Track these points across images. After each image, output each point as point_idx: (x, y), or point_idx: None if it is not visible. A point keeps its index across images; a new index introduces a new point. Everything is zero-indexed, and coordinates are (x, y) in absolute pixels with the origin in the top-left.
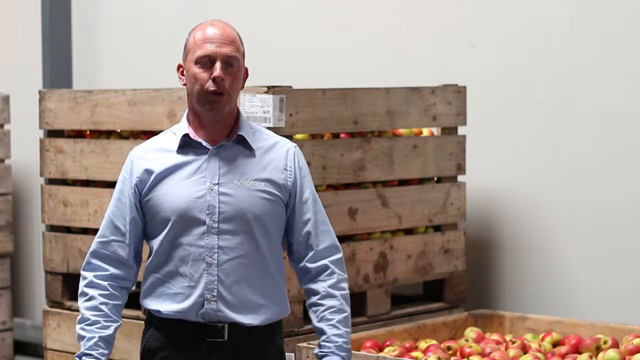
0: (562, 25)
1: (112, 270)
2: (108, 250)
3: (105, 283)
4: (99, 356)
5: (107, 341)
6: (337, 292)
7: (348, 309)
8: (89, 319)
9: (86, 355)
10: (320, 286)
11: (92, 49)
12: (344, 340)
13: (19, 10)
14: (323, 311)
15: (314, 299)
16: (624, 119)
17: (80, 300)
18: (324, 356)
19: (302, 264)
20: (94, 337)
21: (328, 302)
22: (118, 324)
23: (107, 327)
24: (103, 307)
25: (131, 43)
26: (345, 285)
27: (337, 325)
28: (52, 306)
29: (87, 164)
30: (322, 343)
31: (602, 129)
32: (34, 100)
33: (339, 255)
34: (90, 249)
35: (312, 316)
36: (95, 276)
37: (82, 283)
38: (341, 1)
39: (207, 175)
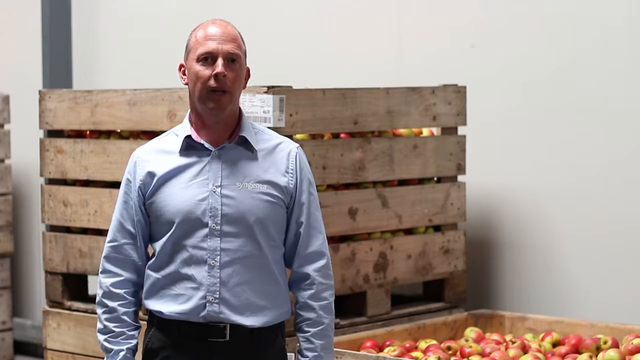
0: (563, 25)
1: (126, 274)
2: (121, 254)
3: (122, 291)
4: None
5: (134, 351)
6: (315, 304)
7: (327, 320)
8: (113, 331)
9: None
10: (299, 295)
11: (92, 48)
12: (315, 354)
13: (19, 10)
14: (300, 322)
15: (295, 306)
16: (625, 119)
17: (100, 309)
18: None
19: (290, 267)
20: (122, 350)
21: (305, 314)
22: (139, 329)
23: (132, 337)
24: (125, 316)
25: (131, 43)
26: (327, 294)
27: (311, 338)
28: (52, 306)
29: (87, 164)
30: (298, 354)
31: (602, 129)
32: (34, 100)
33: (323, 262)
34: (103, 254)
35: (295, 322)
36: (112, 285)
37: (99, 292)
38: (342, 1)
39: (209, 177)
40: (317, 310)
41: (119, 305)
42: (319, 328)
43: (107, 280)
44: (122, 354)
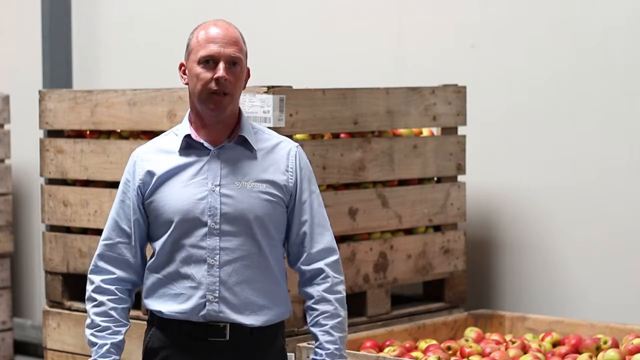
0: (564, 26)
1: (119, 273)
2: (114, 253)
3: (112, 287)
4: None
5: (119, 347)
6: (331, 297)
7: (343, 313)
8: (100, 325)
9: None
10: (314, 290)
11: (92, 49)
12: (336, 347)
13: (19, 10)
14: (317, 316)
15: (308, 302)
16: (625, 118)
17: (89, 305)
18: None
19: (297, 266)
20: (105, 344)
21: (322, 307)
22: (127, 327)
23: (118, 333)
24: (112, 312)
25: (131, 43)
26: (340, 288)
27: (330, 331)
28: (52, 306)
29: (87, 164)
30: (316, 349)
31: (603, 129)
32: (34, 100)
33: (334, 258)
34: (97, 252)
35: (308, 319)
36: (102, 280)
37: (89, 287)
38: (342, 1)
39: (208, 176)
40: (334, 302)
41: (108, 300)
42: (337, 321)
43: (98, 277)
44: (105, 347)
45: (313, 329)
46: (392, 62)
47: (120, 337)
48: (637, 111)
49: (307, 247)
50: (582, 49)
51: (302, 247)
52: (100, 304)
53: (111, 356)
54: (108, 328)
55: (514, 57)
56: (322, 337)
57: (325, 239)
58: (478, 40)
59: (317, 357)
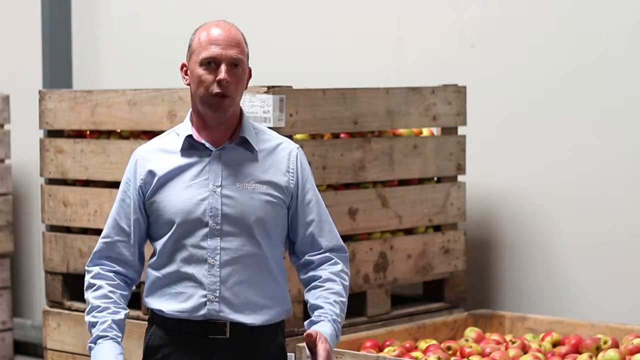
0: (563, 25)
1: (117, 268)
2: (113, 251)
3: (111, 274)
4: (115, 337)
5: (120, 325)
6: (338, 279)
7: (345, 299)
8: (99, 306)
9: (102, 337)
10: (323, 272)
11: (92, 49)
12: (338, 316)
13: (19, 10)
14: (323, 290)
15: (314, 282)
16: (624, 119)
17: (88, 291)
18: (317, 322)
19: (305, 258)
20: (106, 320)
21: (329, 285)
22: (127, 311)
23: (117, 312)
24: (111, 294)
25: (131, 43)
26: (347, 277)
27: (334, 303)
28: (52, 306)
29: (87, 164)
30: (315, 313)
31: (602, 129)
32: (34, 100)
33: (344, 254)
34: (95, 249)
35: (310, 297)
36: (101, 268)
37: (87, 276)
38: (341, 1)
39: (210, 177)
40: (340, 284)
41: (107, 284)
42: (341, 300)
43: (97, 267)
44: (106, 323)
45: (316, 301)
46: (392, 62)
47: (120, 317)
48: (638, 110)
49: (317, 246)
50: (583, 49)
51: (312, 247)
52: (99, 287)
53: (113, 331)
54: (108, 308)
55: (514, 57)
56: (327, 306)
57: (335, 237)
58: (478, 40)
59: (317, 319)
